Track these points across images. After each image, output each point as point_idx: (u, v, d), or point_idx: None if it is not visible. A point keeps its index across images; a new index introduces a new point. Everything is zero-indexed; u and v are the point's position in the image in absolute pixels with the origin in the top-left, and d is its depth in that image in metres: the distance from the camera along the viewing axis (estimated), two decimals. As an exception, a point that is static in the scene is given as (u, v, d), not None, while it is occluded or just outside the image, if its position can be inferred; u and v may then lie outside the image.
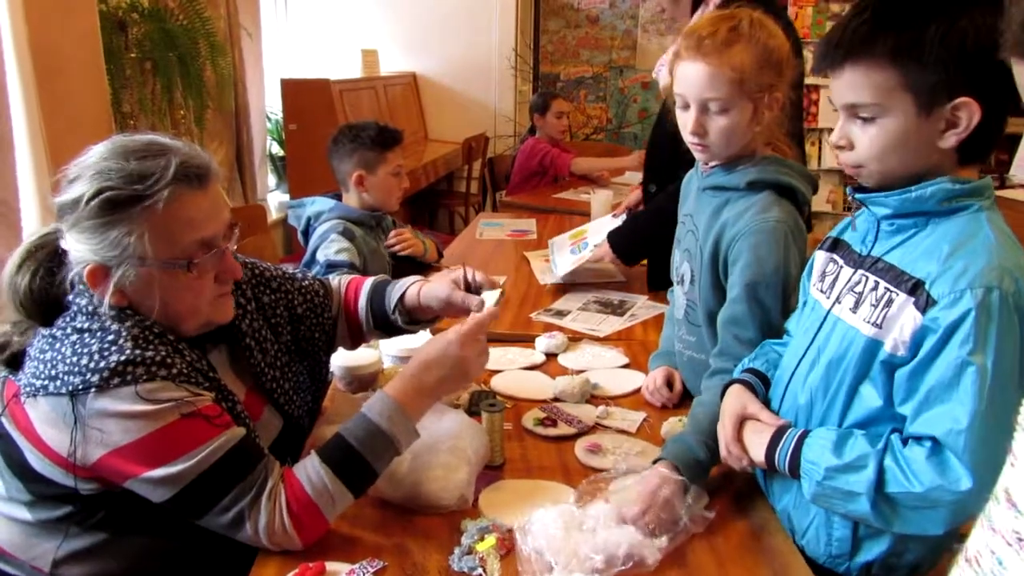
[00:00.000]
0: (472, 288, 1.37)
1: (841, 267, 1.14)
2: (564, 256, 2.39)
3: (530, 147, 4.14)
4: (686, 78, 1.35)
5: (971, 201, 0.99)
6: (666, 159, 2.18)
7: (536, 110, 4.18)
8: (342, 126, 2.43)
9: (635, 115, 6.09)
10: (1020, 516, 0.65)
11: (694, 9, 2.09)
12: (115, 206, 1.05)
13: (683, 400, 1.58)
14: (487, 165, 5.11)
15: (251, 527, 1.07)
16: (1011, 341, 0.93)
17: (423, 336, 1.75)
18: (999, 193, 2.08)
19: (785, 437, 1.10)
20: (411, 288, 1.42)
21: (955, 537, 1.00)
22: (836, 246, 1.18)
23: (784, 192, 1.39)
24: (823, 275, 1.17)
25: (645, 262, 2.33)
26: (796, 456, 1.07)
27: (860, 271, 1.08)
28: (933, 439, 0.96)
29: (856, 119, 1.03)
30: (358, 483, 1.13)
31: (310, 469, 1.11)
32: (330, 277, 1.51)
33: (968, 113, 0.95)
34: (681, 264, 1.54)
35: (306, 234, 2.34)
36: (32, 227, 2.37)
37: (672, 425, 1.45)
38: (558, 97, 4.21)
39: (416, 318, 1.44)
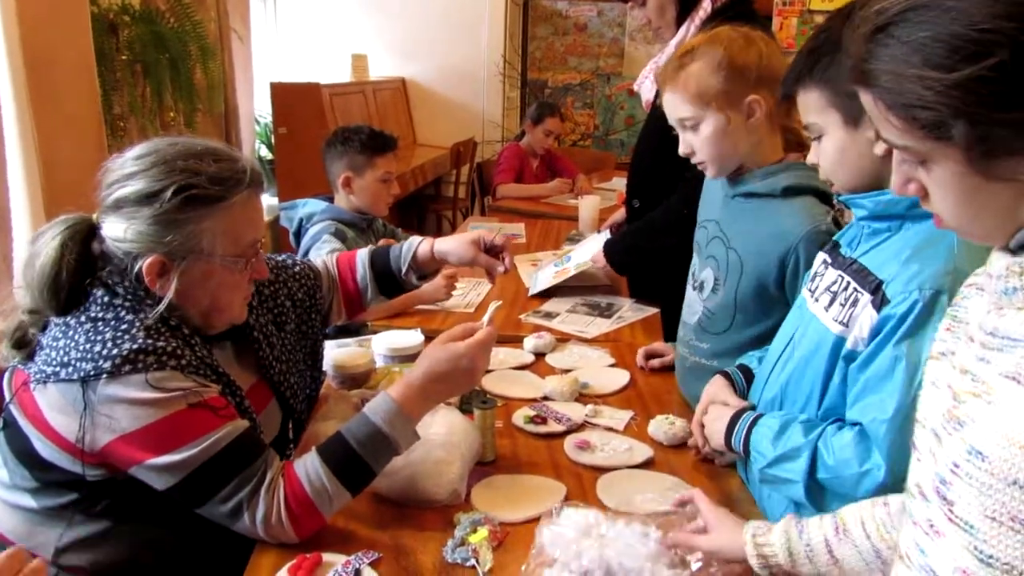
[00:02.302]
0: (492, 250, 1.52)
1: (828, 268, 1.18)
2: (546, 271, 2.42)
3: (504, 151, 4.21)
4: (665, 108, 1.45)
5: None
6: (649, 175, 2.22)
7: (530, 118, 4.18)
8: (337, 128, 2.44)
9: (622, 122, 6.15)
10: (930, 505, 0.70)
11: (679, 22, 2.12)
12: (197, 203, 1.11)
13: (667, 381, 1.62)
14: (475, 170, 5.14)
15: (249, 518, 1.09)
16: None
17: (414, 335, 1.79)
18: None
19: (740, 421, 1.18)
20: (422, 247, 1.54)
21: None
22: (833, 248, 1.22)
23: (820, 196, 1.40)
24: (814, 275, 1.21)
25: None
26: (748, 439, 1.15)
27: (839, 271, 1.13)
28: (862, 425, 1.02)
29: (813, 138, 1.11)
30: (356, 483, 1.15)
31: (309, 467, 1.13)
32: (311, 258, 1.59)
33: None
34: (702, 271, 1.53)
35: (298, 235, 2.36)
36: (22, 227, 2.37)
37: (659, 423, 1.48)
38: (555, 116, 4.14)
39: (424, 272, 1.56)
